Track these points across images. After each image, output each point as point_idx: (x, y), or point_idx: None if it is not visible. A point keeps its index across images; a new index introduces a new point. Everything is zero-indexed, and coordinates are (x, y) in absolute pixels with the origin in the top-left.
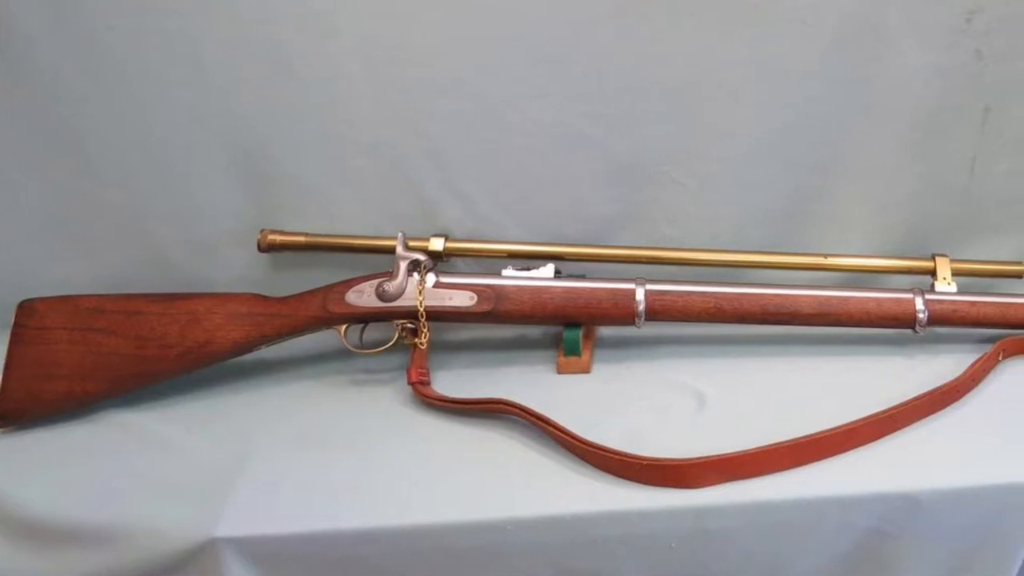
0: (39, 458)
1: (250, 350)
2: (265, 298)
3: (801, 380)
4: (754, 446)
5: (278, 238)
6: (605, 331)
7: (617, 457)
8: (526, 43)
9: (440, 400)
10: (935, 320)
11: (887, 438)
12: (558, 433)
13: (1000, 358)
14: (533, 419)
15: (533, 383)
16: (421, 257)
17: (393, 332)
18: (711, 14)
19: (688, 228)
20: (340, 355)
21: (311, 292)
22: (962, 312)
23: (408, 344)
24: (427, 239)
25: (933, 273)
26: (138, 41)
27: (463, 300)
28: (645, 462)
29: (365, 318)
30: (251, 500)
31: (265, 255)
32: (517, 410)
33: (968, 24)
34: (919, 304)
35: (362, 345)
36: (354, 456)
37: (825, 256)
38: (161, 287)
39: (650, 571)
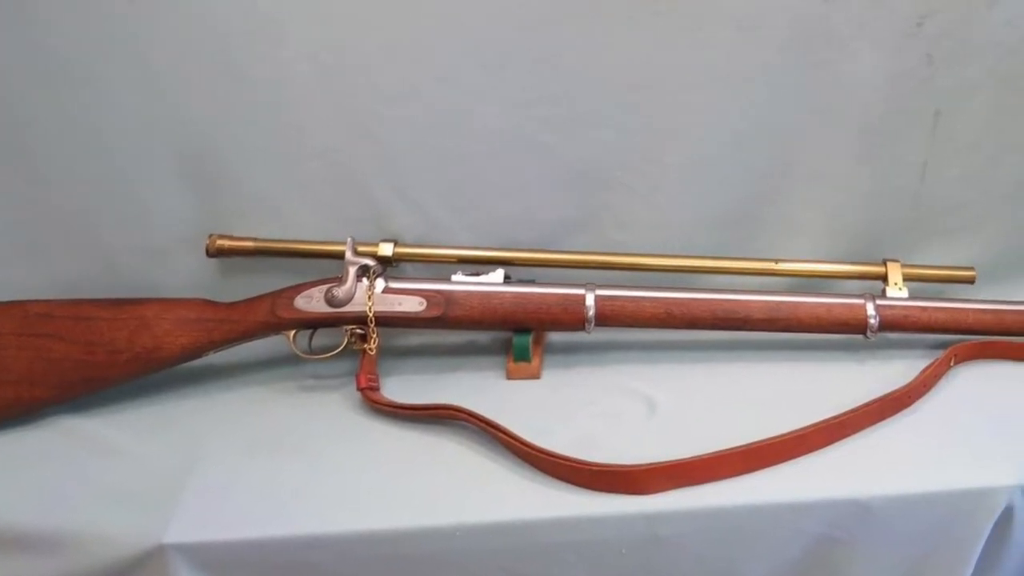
0: None
1: (199, 355)
2: (214, 303)
3: (752, 386)
4: (705, 452)
5: (227, 243)
6: (555, 337)
7: (567, 463)
8: (476, 48)
9: (389, 406)
10: (886, 325)
11: (838, 444)
12: (508, 439)
13: (952, 363)
14: (483, 425)
15: (483, 389)
16: (370, 262)
17: (342, 338)
18: (660, 19)
19: (639, 233)
20: (289, 361)
21: (260, 297)
22: (913, 317)
23: (357, 350)
24: (376, 244)
25: (884, 278)
26: (87, 46)
27: (412, 305)
28: (595, 468)
29: (314, 324)
30: (200, 506)
31: (214, 260)
32: (467, 416)
33: (919, 28)
34: (870, 309)
35: (311, 351)
36: (303, 462)
37: (776, 261)
38: (110, 292)
39: None
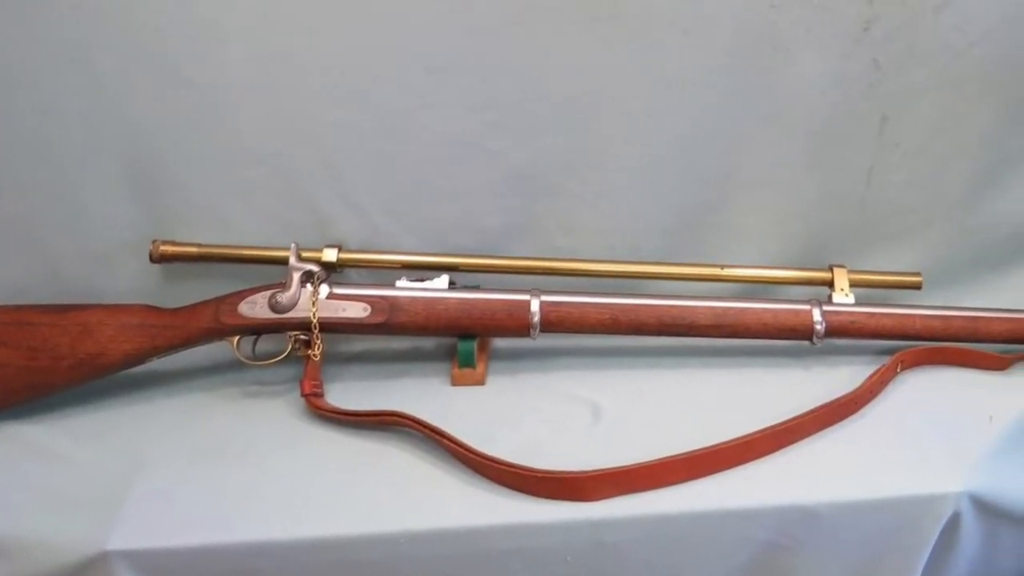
0: None
1: (142, 362)
2: (157, 309)
3: (698, 392)
4: (650, 458)
5: (170, 249)
6: (500, 343)
7: (512, 470)
8: (420, 53)
9: (333, 412)
10: (833, 331)
11: (784, 450)
12: (452, 446)
13: (898, 370)
14: (427, 431)
15: (427, 395)
16: (314, 268)
17: (286, 344)
18: (606, 24)
19: (584, 239)
20: (233, 367)
21: (203, 303)
22: (860, 323)
23: (301, 356)
24: (321, 250)
25: (831, 284)
26: (30, 51)
27: (356, 311)
28: (540, 475)
29: (258, 330)
30: (144, 513)
31: (157, 266)
32: (411, 422)
33: (865, 33)
34: (816, 315)
35: (255, 357)
36: (247, 468)
37: (722, 267)
38: (53, 298)
39: None
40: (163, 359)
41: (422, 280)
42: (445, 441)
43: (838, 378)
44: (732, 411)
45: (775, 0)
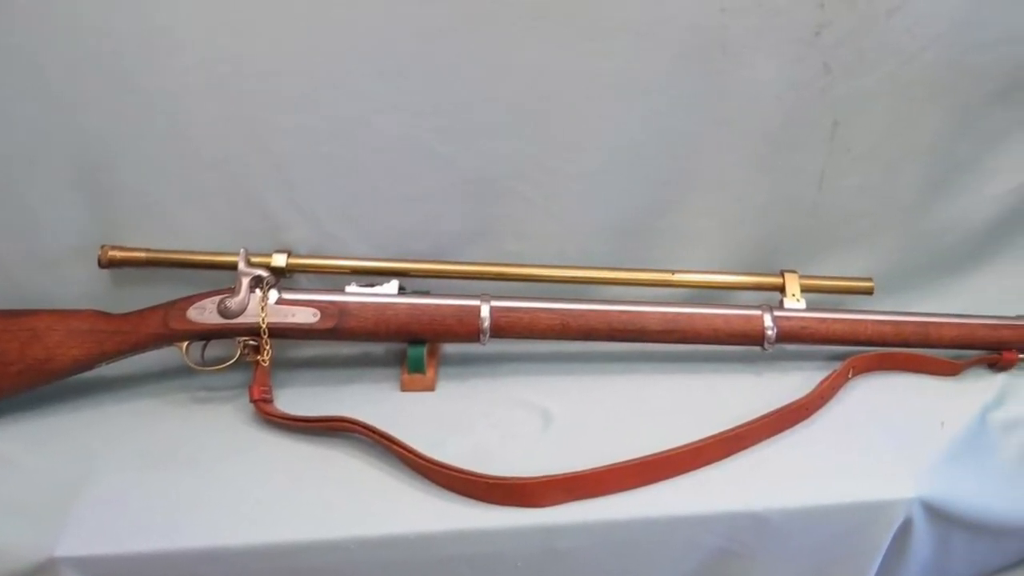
0: None
1: (91, 367)
2: (106, 315)
3: (648, 398)
4: (601, 464)
5: (119, 254)
6: (450, 348)
7: (462, 476)
8: (372, 57)
9: (283, 418)
10: (784, 337)
11: (735, 456)
12: (402, 451)
13: (850, 375)
14: (377, 437)
15: (377, 401)
16: (263, 273)
17: (235, 349)
18: (558, 28)
19: (535, 244)
20: (182, 372)
21: (152, 309)
22: (811, 329)
23: (250, 361)
24: (270, 255)
25: (782, 289)
26: None
27: (306, 317)
28: (490, 481)
29: (207, 335)
30: (92, 519)
31: (106, 271)
32: (361, 428)
33: (817, 38)
34: (767, 321)
35: (204, 362)
36: (196, 474)
37: (673, 272)
38: (1, 303)
39: None
40: (112, 365)
41: (372, 285)
42: (395, 447)
43: (789, 384)
44: (683, 417)
45: (726, 4)
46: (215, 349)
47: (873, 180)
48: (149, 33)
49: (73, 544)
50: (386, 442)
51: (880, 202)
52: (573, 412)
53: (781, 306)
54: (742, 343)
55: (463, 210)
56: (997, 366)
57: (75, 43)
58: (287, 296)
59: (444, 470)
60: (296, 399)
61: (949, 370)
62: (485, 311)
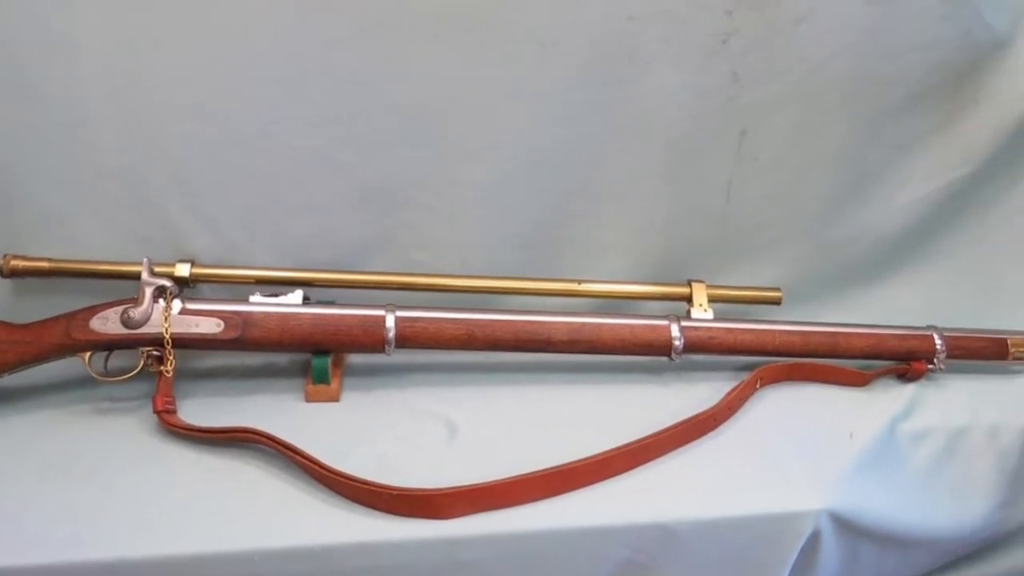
0: None
1: None
2: (7, 324)
3: (555, 408)
4: (507, 476)
5: (20, 263)
6: (355, 358)
7: (366, 487)
8: (273, 65)
9: (186, 429)
10: (691, 347)
11: (642, 467)
12: (307, 463)
13: (758, 386)
14: (281, 448)
15: (281, 412)
16: (167, 283)
17: (139, 360)
18: (461, 36)
19: (439, 253)
20: (85, 383)
21: (54, 319)
22: (719, 339)
23: (154, 372)
24: (173, 265)
25: (689, 299)
26: None
27: (210, 327)
28: (395, 492)
29: (110, 345)
30: None
31: (7, 281)
32: (264, 439)
33: (724, 46)
34: (675, 331)
35: (107, 373)
36: (98, 486)
37: (579, 282)
38: None
39: None
40: (13, 375)
41: (276, 295)
42: (299, 458)
43: (697, 394)
44: (590, 428)
45: (633, 12)
46: (118, 359)
47: (781, 189)
48: (47, 41)
49: None
50: (290, 453)
51: (788, 211)
52: (479, 423)
53: (688, 316)
54: (649, 353)
55: (365, 219)
56: (906, 377)
57: None
58: (191, 306)
59: (348, 481)
60: (200, 410)
61: (858, 381)
62: (390, 321)
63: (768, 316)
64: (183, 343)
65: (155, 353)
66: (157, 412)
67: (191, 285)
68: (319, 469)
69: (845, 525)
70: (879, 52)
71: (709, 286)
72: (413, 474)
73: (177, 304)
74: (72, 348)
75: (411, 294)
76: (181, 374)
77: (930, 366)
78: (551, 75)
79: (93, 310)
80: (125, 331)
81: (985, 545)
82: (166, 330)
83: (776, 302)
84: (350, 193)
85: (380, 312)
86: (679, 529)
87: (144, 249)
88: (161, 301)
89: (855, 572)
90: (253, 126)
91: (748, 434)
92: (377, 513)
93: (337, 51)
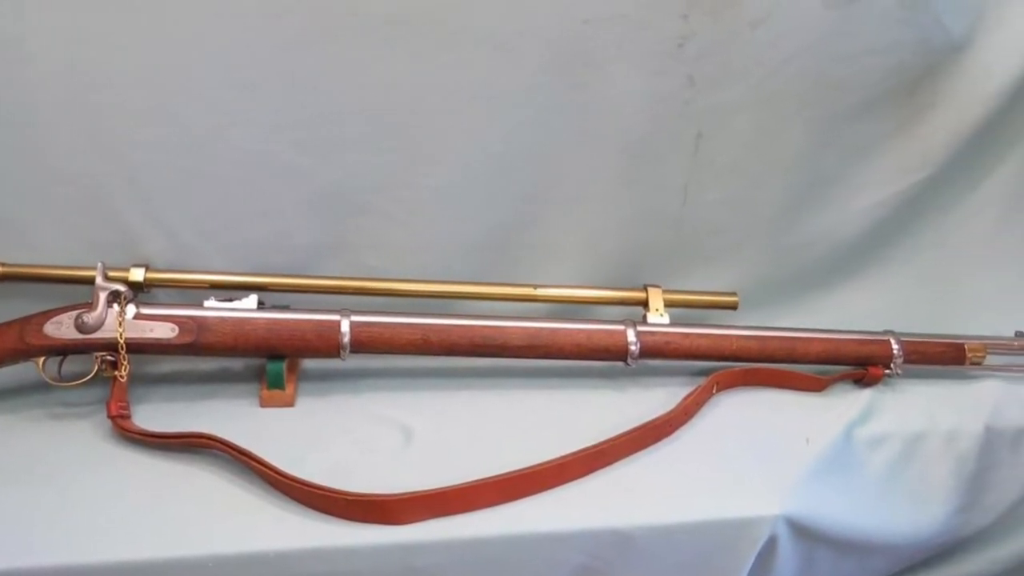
0: None
1: None
2: None
3: (511, 414)
4: (462, 481)
5: None
6: (310, 363)
7: (321, 492)
8: (228, 69)
9: (140, 434)
10: (647, 352)
11: (598, 473)
12: (261, 468)
13: (714, 391)
14: (235, 453)
15: (236, 417)
16: (121, 288)
17: (93, 365)
18: (417, 40)
19: (395, 258)
20: (38, 388)
21: (7, 324)
22: (675, 344)
23: (108, 377)
24: (127, 269)
25: (645, 304)
26: None
27: (164, 332)
28: (350, 498)
29: (64, 350)
30: None
31: None
32: (219, 444)
33: (680, 50)
34: (631, 336)
35: (61, 378)
36: (52, 491)
37: (535, 287)
38: None
39: None
40: None
41: (231, 300)
42: (253, 463)
43: (653, 399)
44: (546, 433)
45: (589, 16)
46: (72, 364)
47: (737, 193)
48: (1, 45)
49: None
50: (244, 458)
51: (744, 216)
52: (434, 428)
53: (645, 321)
54: (605, 358)
55: (321, 224)
56: (863, 382)
57: None
58: (145, 311)
59: (303, 487)
60: (154, 415)
61: (815, 386)
62: (345, 326)
63: (725, 321)
64: (137, 348)
65: (109, 358)
66: (111, 417)
67: (145, 290)
68: (274, 474)
69: (802, 530)
70: (836, 56)
71: (665, 291)
72: (368, 479)
73: (131, 309)
74: (26, 353)
75: (367, 299)
76: (135, 379)
77: (887, 371)
78: (507, 79)
79: (47, 315)
80: (79, 336)
81: (943, 550)
82: (120, 335)
83: (733, 307)
84: (306, 198)
85: (335, 317)
86: (635, 534)
87: (98, 253)
88: (115, 306)
89: None
90: (208, 130)
91: (704, 439)
92: (332, 519)
93: (293, 55)
